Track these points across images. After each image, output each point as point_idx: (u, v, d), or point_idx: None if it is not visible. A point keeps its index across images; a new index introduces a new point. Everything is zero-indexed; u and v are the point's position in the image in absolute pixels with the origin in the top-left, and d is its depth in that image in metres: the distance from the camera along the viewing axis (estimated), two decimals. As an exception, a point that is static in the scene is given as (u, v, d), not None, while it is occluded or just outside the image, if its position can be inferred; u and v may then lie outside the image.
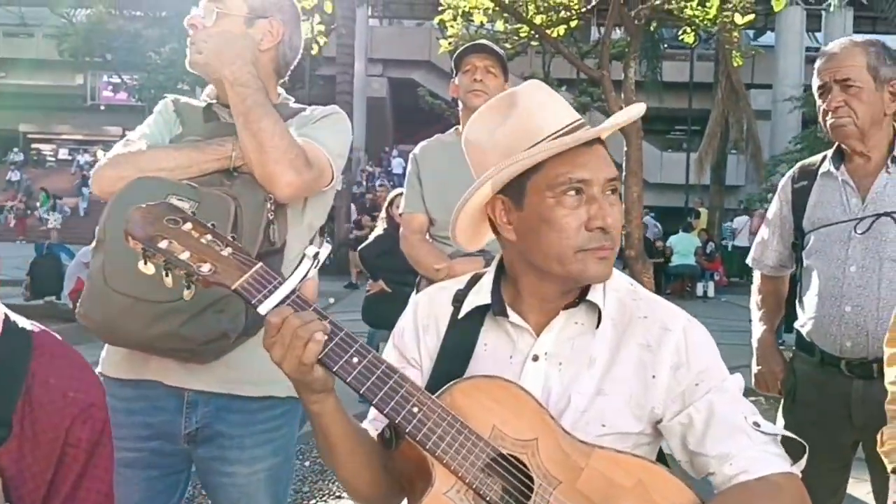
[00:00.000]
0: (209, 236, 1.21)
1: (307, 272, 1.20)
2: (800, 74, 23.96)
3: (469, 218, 1.37)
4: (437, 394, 1.21)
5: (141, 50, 23.14)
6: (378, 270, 6.18)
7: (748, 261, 2.69)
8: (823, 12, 24.71)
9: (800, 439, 1.22)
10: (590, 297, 1.30)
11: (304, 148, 1.76)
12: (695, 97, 24.11)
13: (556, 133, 1.26)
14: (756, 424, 1.24)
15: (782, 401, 2.46)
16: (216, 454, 1.82)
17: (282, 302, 1.17)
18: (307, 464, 4.69)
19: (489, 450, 1.17)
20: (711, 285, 15.86)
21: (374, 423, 1.37)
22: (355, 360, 1.17)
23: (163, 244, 1.18)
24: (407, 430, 1.16)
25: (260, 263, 1.20)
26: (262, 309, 1.16)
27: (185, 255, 1.18)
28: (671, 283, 15.75)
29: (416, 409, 1.16)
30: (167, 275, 1.19)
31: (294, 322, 1.13)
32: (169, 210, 1.23)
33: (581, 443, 1.22)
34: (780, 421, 2.42)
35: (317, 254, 1.20)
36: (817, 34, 26.24)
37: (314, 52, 7.60)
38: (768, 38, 26.20)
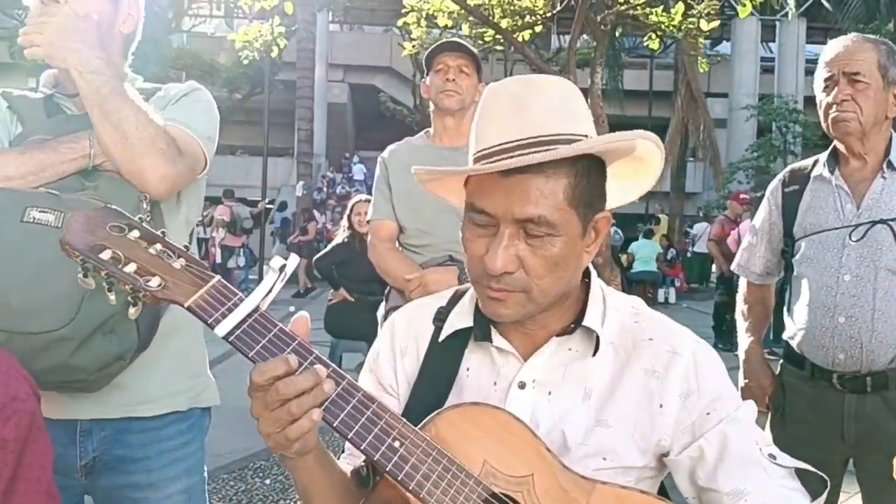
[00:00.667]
0: (159, 245, 1.06)
1: (272, 287, 1.04)
2: (755, 84, 24.38)
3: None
4: (420, 425, 1.06)
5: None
6: (335, 280, 6.03)
7: (733, 267, 2.60)
8: (777, 23, 25.21)
9: (821, 473, 1.11)
10: (586, 322, 1.15)
11: (173, 133, 1.57)
12: (654, 105, 24.41)
13: (493, 147, 1.07)
14: (772, 456, 1.11)
15: (770, 416, 2.37)
16: (122, 482, 1.65)
17: (242, 322, 1.02)
18: (268, 482, 4.50)
19: (480, 489, 1.03)
20: (672, 291, 16.00)
21: (350, 457, 1.22)
22: (326, 387, 1.01)
23: (105, 255, 1.03)
24: (387, 469, 1.02)
25: (218, 277, 1.05)
26: (220, 330, 1.01)
27: (130, 268, 1.04)
28: (633, 289, 15.82)
29: (396, 444, 1.02)
30: (110, 290, 1.04)
31: (283, 390, 0.97)
32: (113, 216, 1.08)
33: (581, 478, 1.08)
34: (769, 436, 2.33)
35: (283, 266, 1.05)
36: (771, 44, 26.73)
37: (274, 54, 7.43)
38: (723, 47, 26.62)
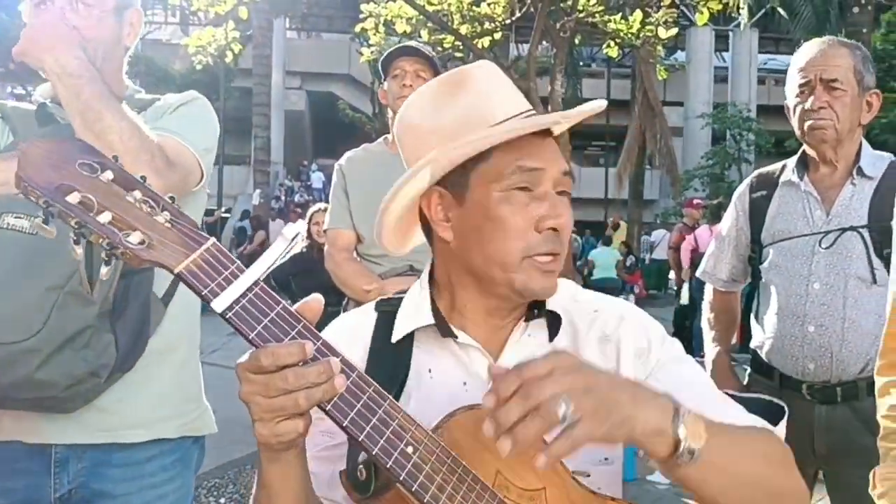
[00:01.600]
0: (138, 193, 0.86)
1: (279, 257, 0.89)
2: (709, 92, 24.83)
3: (398, 213, 1.16)
4: (432, 427, 0.95)
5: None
6: (292, 291, 5.89)
7: (698, 273, 2.55)
8: (731, 33, 25.73)
9: (779, 402, 1.07)
10: (550, 306, 1.14)
11: (164, 144, 1.47)
12: (612, 113, 24.64)
13: (509, 119, 1.09)
14: (726, 394, 1.15)
15: None
16: None
17: (242, 297, 0.86)
18: (222, 500, 4.35)
19: (495, 503, 0.95)
20: (632, 298, 16.11)
21: (317, 460, 1.10)
22: (338, 382, 0.87)
23: (73, 198, 0.83)
24: (400, 478, 0.89)
25: (212, 239, 0.87)
26: (218, 304, 0.85)
27: (105, 217, 0.83)
28: (593, 296, 15.93)
29: (410, 450, 0.89)
30: (78, 243, 0.84)
31: (293, 381, 0.84)
32: (79, 149, 0.87)
33: (592, 493, 1.04)
34: None
35: (297, 234, 0.90)
36: (724, 54, 27.26)
37: (229, 60, 7.28)
38: (678, 56, 27.07)
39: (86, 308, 1.34)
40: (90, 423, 1.50)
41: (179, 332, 1.64)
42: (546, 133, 1.12)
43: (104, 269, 0.85)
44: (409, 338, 1.14)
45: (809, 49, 2.13)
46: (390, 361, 1.13)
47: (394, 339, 1.14)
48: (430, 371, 1.13)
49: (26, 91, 24.56)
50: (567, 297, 1.19)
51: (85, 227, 0.83)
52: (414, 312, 1.16)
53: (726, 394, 1.14)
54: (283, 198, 24.47)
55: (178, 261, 0.85)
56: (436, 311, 1.14)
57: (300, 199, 24.31)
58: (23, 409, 1.44)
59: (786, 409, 1.10)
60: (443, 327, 1.13)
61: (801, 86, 2.12)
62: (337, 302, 5.11)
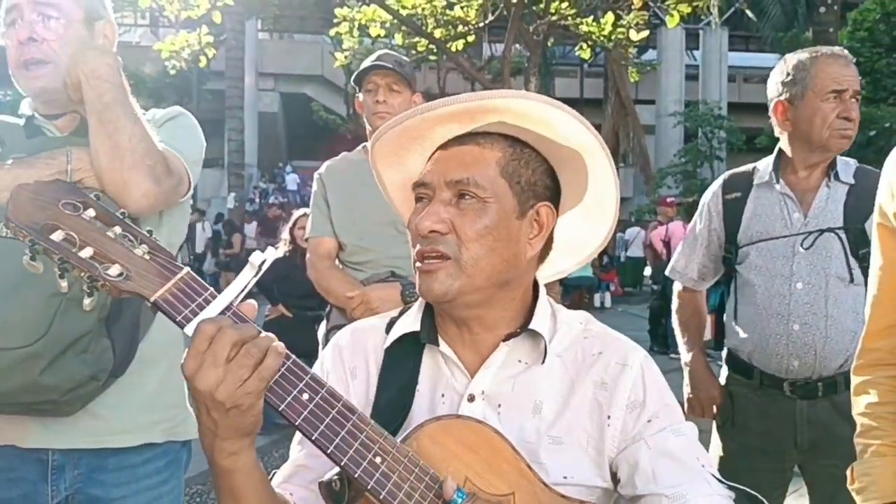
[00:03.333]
0: (118, 228, 0.95)
1: (248, 283, 0.96)
2: (680, 90, 25.07)
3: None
4: (400, 438, 1.00)
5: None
6: (274, 296, 5.89)
7: (667, 271, 2.60)
8: (701, 31, 26.00)
9: (760, 497, 1.10)
10: (533, 325, 1.14)
11: (165, 154, 1.56)
12: (585, 112, 24.50)
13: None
14: (713, 476, 1.10)
15: (718, 426, 2.37)
16: None
17: None
18: (206, 508, 4.35)
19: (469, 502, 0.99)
20: (608, 296, 16.22)
21: (292, 479, 1.15)
22: (305, 396, 0.95)
23: (57, 236, 0.91)
24: (368, 487, 0.95)
25: (186, 269, 0.96)
26: (190, 329, 0.92)
27: (86, 253, 0.92)
28: (570, 294, 16.02)
29: (378, 460, 0.96)
30: (62, 277, 0.93)
31: (232, 335, 0.90)
32: (65, 191, 0.95)
33: (561, 496, 1.06)
34: (719, 445, 2.33)
35: (263, 262, 0.97)
36: (695, 52, 27.54)
37: (202, 64, 7.23)
38: (649, 55, 27.32)
39: (87, 314, 1.37)
40: (83, 428, 1.53)
41: (166, 339, 1.67)
42: (464, 141, 1.13)
43: (87, 300, 0.94)
44: (418, 347, 1.17)
45: (843, 58, 2.17)
46: (396, 370, 1.16)
47: (385, 344, 1.18)
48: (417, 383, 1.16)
49: (5, 94, 24.16)
50: (578, 330, 1.20)
51: (67, 262, 0.91)
52: (407, 319, 1.20)
53: (714, 476, 1.10)
54: (257, 200, 24.32)
55: (153, 290, 0.93)
56: (425, 318, 1.18)
57: (275, 200, 24.17)
58: (19, 414, 1.46)
59: (765, 503, 1.12)
60: (426, 333, 1.16)
61: (834, 91, 2.13)
62: (319, 306, 5.12)
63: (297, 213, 5.97)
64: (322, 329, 2.77)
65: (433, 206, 1.09)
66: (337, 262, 2.74)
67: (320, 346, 2.73)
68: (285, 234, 5.95)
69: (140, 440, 1.61)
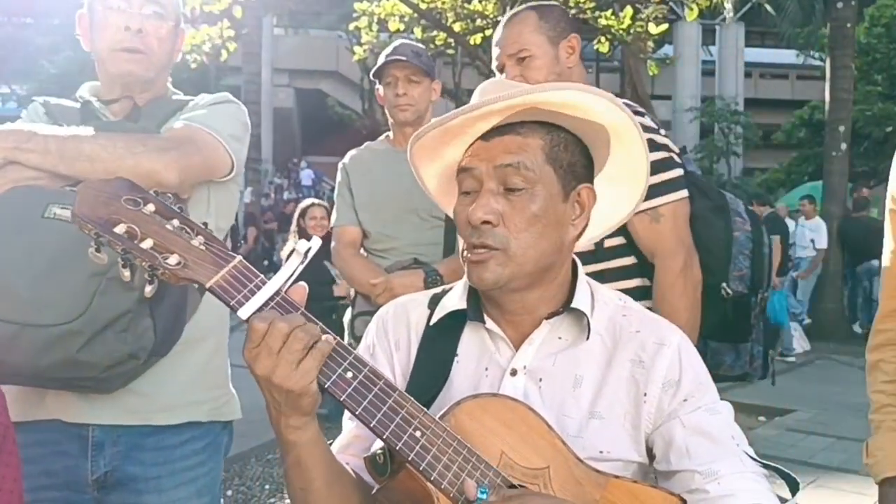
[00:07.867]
0: (176, 221, 1.03)
1: (295, 270, 1.04)
2: (697, 86, 24.94)
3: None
4: (439, 415, 1.06)
5: (32, 58, 21.89)
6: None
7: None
8: (717, 27, 25.86)
9: (793, 475, 1.11)
10: (575, 303, 1.18)
11: (179, 130, 1.62)
12: (600, 108, 24.69)
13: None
14: (747, 454, 1.13)
15: None
16: (130, 500, 1.62)
17: (265, 305, 1.01)
18: (229, 493, 4.42)
19: (499, 481, 1.04)
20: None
21: (348, 449, 1.22)
22: (349, 374, 1.01)
23: (120, 229, 0.99)
24: (409, 459, 1.01)
25: (239, 257, 1.03)
26: (243, 312, 1.00)
27: (147, 244, 1.00)
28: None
29: (418, 434, 1.02)
30: (125, 266, 1.01)
31: (282, 327, 0.97)
32: (126, 188, 1.03)
33: (595, 471, 1.10)
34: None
35: (308, 250, 1.04)
36: (711, 48, 27.39)
37: (223, 58, 7.30)
38: (666, 50, 27.19)
39: (127, 293, 1.40)
40: (126, 406, 1.57)
41: (212, 321, 1.72)
42: (505, 131, 1.16)
43: (148, 288, 1.00)
44: (458, 324, 1.22)
45: None
46: (435, 345, 1.22)
47: (433, 321, 1.23)
48: (457, 354, 1.21)
49: (11, 89, 24.39)
50: (617, 307, 1.23)
51: (129, 252, 0.98)
52: (453, 297, 1.25)
53: (747, 454, 1.12)
54: (272, 195, 24.44)
55: (209, 277, 1.00)
56: (471, 297, 1.22)
57: (290, 196, 24.27)
58: (64, 389, 1.51)
59: (799, 485, 1.11)
60: (473, 311, 1.21)
61: None
62: (329, 295, 5.16)
63: (303, 203, 6.02)
64: (347, 315, 2.82)
65: (483, 198, 1.13)
66: (362, 250, 2.79)
67: (345, 332, 2.78)
68: (294, 226, 5.99)
69: (182, 418, 1.65)
